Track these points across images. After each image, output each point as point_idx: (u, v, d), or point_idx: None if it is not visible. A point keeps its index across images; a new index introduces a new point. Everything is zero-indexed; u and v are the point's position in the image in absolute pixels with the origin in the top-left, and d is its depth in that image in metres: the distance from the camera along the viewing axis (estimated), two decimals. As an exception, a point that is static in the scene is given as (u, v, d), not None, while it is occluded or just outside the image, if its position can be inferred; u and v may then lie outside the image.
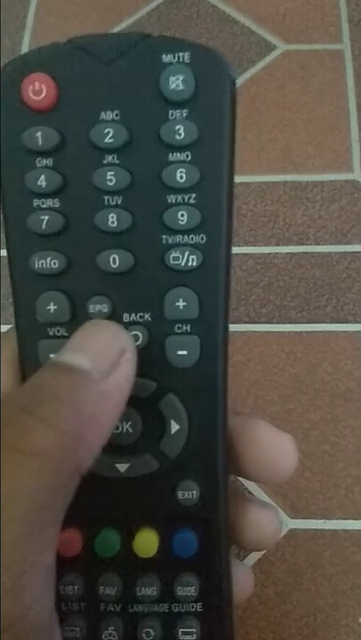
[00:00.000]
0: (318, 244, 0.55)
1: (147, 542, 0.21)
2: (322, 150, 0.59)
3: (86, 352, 0.17)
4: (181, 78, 0.18)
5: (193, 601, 0.21)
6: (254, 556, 0.45)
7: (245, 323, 0.52)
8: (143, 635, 0.21)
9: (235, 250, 0.54)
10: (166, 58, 0.18)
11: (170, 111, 0.18)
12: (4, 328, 0.53)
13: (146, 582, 0.21)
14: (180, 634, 0.21)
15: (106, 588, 0.21)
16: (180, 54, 0.18)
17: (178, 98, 0.18)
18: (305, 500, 0.47)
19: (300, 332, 0.52)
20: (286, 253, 0.55)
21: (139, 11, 0.67)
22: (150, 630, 0.21)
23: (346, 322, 0.52)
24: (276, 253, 0.55)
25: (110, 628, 0.21)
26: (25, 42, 0.67)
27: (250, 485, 0.46)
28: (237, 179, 0.59)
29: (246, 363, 0.50)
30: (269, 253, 0.55)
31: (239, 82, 0.63)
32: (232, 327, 0.54)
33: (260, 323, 0.52)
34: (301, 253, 0.55)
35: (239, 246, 0.54)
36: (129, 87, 0.18)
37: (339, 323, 0.52)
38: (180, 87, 0.18)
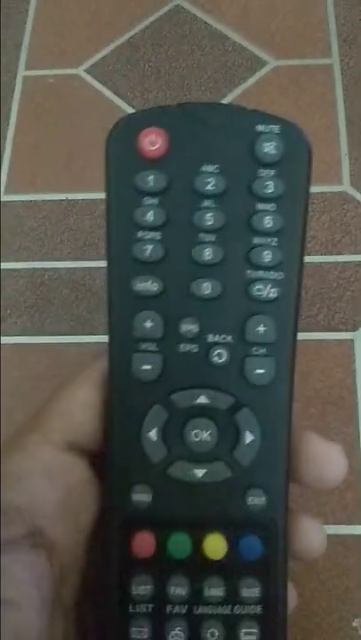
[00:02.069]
0: (309, 254, 0.56)
1: (216, 545, 0.23)
2: (312, 163, 0.60)
3: None
4: (273, 145, 0.22)
5: (255, 603, 0.23)
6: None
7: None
8: (208, 635, 0.23)
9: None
10: (260, 127, 0.23)
11: (261, 170, 0.23)
12: (4, 340, 0.54)
13: (213, 584, 0.23)
14: (242, 635, 0.23)
15: (175, 589, 0.22)
16: (272, 126, 0.23)
17: (269, 160, 0.22)
18: (299, 506, 0.48)
19: (293, 340, 0.53)
20: (278, 264, 0.56)
21: (133, 28, 0.68)
22: (215, 631, 0.23)
23: (337, 330, 0.53)
24: (269, 264, 0.56)
25: (177, 629, 0.22)
26: (22, 58, 0.68)
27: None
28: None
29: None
30: (262, 264, 0.56)
31: (231, 97, 0.64)
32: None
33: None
34: (293, 264, 0.56)
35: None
36: (228, 148, 0.23)
37: (330, 331, 0.53)
38: (272, 151, 0.22)
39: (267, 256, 0.22)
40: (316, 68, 0.65)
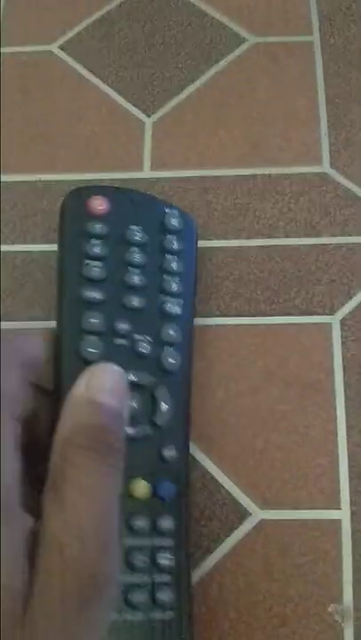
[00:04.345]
0: (288, 236, 0.56)
1: (142, 487, 0.33)
2: (291, 143, 0.59)
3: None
4: (175, 220, 0.40)
5: (170, 535, 0.33)
6: (225, 548, 0.46)
7: (216, 316, 0.52)
8: (135, 562, 0.32)
9: (206, 244, 0.54)
10: (167, 210, 0.40)
11: (167, 235, 0.39)
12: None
13: (139, 518, 0.33)
14: (161, 559, 0.33)
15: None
16: (173, 210, 0.40)
17: (172, 229, 0.40)
18: (275, 490, 0.48)
19: (271, 324, 0.52)
20: (256, 246, 0.55)
21: (109, 3, 0.66)
22: (140, 556, 0.32)
23: (315, 314, 0.53)
24: (247, 247, 0.55)
25: None
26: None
27: (222, 478, 0.46)
28: (207, 172, 0.59)
29: (217, 355, 0.51)
30: (240, 247, 0.55)
31: (209, 74, 0.63)
32: (203, 321, 0.54)
33: (231, 316, 0.52)
34: (271, 246, 0.55)
35: (209, 240, 0.54)
36: (147, 217, 0.38)
37: (308, 315, 0.53)
38: (174, 225, 0.40)
39: (173, 287, 0.37)
40: (297, 45, 0.64)
